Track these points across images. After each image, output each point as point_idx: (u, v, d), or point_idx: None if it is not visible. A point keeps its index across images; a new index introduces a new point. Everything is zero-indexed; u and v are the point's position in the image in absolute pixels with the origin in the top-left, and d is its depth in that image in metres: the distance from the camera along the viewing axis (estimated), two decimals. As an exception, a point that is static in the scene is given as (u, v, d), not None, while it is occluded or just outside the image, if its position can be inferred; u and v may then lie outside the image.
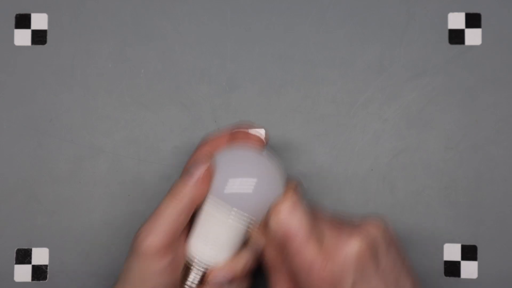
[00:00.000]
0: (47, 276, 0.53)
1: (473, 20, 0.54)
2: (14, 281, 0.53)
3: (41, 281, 0.53)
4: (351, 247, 0.42)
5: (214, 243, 0.46)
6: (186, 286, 0.46)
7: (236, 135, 0.48)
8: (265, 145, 0.48)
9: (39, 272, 0.53)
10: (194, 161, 0.47)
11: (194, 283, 0.46)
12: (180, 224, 0.45)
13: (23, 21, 0.55)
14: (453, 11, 0.55)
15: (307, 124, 0.54)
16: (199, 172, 0.45)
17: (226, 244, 0.46)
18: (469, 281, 0.53)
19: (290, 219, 0.43)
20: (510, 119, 0.54)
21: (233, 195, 0.45)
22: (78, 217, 0.54)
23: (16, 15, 0.55)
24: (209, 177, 0.45)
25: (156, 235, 0.44)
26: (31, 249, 0.53)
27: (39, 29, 0.55)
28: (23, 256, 0.53)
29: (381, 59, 0.54)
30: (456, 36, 0.54)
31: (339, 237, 0.42)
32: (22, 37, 0.55)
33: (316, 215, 0.45)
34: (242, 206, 0.45)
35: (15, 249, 0.53)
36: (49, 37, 0.55)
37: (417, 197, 0.53)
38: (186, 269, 0.46)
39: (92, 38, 0.55)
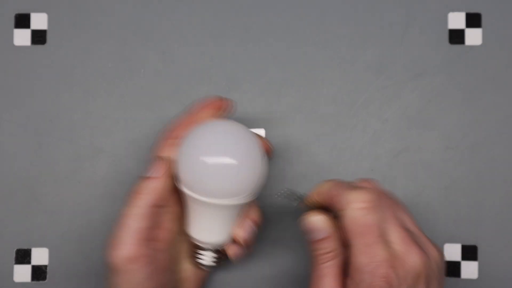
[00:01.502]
0: (47, 276, 0.53)
1: (473, 20, 0.54)
2: (13, 281, 0.53)
3: (40, 281, 0.53)
4: (419, 261, 0.42)
5: (213, 229, 0.46)
6: (204, 266, 0.48)
7: (196, 114, 0.48)
8: (226, 108, 0.48)
9: (38, 272, 0.53)
10: (151, 159, 0.47)
11: (213, 263, 0.48)
12: (147, 228, 0.44)
13: (22, 20, 0.55)
14: (453, 11, 0.55)
15: (307, 124, 0.54)
16: (154, 173, 0.45)
17: (224, 225, 0.46)
18: (469, 281, 0.53)
19: (367, 214, 0.42)
20: (510, 119, 0.54)
21: (206, 190, 0.44)
22: (78, 217, 0.54)
23: (16, 14, 0.55)
24: (167, 172, 0.45)
25: (124, 245, 0.44)
26: (30, 249, 0.53)
27: (38, 29, 0.55)
28: (23, 256, 0.53)
29: (381, 59, 0.54)
30: (456, 36, 0.54)
31: (408, 247, 0.42)
32: (22, 37, 0.55)
33: (388, 215, 0.44)
34: (220, 196, 0.44)
35: (15, 249, 0.53)
36: (48, 37, 0.55)
37: (417, 197, 0.53)
38: (199, 251, 0.47)
39: (92, 38, 0.55)
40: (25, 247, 0.53)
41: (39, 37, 0.55)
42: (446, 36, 0.54)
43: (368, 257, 0.41)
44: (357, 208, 0.42)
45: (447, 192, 0.53)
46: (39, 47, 0.55)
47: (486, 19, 0.54)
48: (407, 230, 0.43)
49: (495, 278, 0.53)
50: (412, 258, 0.42)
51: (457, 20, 0.54)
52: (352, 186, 0.44)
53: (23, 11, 0.55)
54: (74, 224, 0.53)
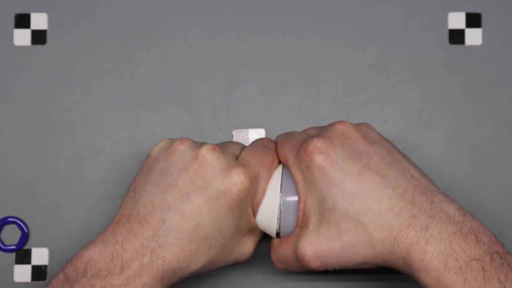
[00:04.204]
0: (47, 276, 0.53)
1: (473, 20, 0.54)
2: (13, 281, 0.53)
3: (40, 281, 0.53)
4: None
5: None
6: None
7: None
8: None
9: (38, 273, 0.53)
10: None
11: None
12: None
13: (22, 21, 0.55)
14: (453, 11, 0.55)
15: (307, 124, 0.54)
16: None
17: None
18: (469, 281, 0.53)
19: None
20: (510, 119, 0.54)
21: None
22: (78, 217, 0.53)
23: (16, 14, 0.55)
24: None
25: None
26: (30, 249, 0.53)
27: (38, 29, 0.55)
28: (23, 256, 0.53)
29: (381, 59, 0.54)
30: (456, 36, 0.54)
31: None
32: (22, 37, 0.55)
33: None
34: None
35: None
36: (49, 37, 0.55)
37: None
38: None
39: (92, 38, 0.55)
40: (25, 247, 0.53)
41: (39, 37, 0.55)
42: (446, 36, 0.54)
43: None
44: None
45: (447, 192, 0.53)
46: (39, 47, 0.55)
47: (486, 19, 0.54)
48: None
49: (495, 278, 0.53)
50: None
51: (457, 20, 0.54)
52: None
53: (23, 11, 0.55)
54: (74, 224, 0.53)
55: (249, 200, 0.45)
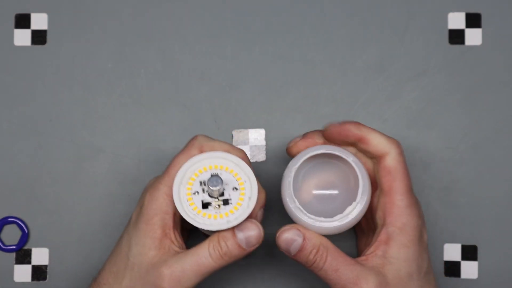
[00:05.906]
0: (47, 276, 0.53)
1: (473, 20, 0.54)
2: (14, 281, 0.53)
3: (40, 281, 0.53)
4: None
5: None
6: None
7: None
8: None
9: (39, 272, 0.53)
10: None
11: None
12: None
13: (23, 21, 0.55)
14: (453, 11, 0.55)
15: (307, 124, 0.54)
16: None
17: None
18: (469, 281, 0.53)
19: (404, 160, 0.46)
20: (510, 119, 0.54)
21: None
22: (78, 217, 0.54)
23: (16, 15, 0.55)
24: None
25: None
26: (31, 249, 0.53)
27: (39, 29, 0.55)
28: (23, 256, 0.53)
29: (381, 59, 0.54)
30: (456, 36, 0.54)
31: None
32: (22, 37, 0.55)
33: None
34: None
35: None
36: (49, 37, 0.55)
37: (417, 197, 0.53)
38: None
39: (92, 38, 0.55)
40: (25, 247, 0.53)
41: (39, 37, 0.55)
42: (446, 36, 0.54)
43: (411, 199, 0.45)
44: (400, 153, 0.45)
45: (447, 192, 0.53)
46: (39, 47, 0.55)
47: (486, 19, 0.54)
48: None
49: (495, 278, 0.53)
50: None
51: (457, 20, 0.54)
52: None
53: (23, 11, 0.55)
54: (74, 224, 0.53)
55: (150, 209, 0.44)
